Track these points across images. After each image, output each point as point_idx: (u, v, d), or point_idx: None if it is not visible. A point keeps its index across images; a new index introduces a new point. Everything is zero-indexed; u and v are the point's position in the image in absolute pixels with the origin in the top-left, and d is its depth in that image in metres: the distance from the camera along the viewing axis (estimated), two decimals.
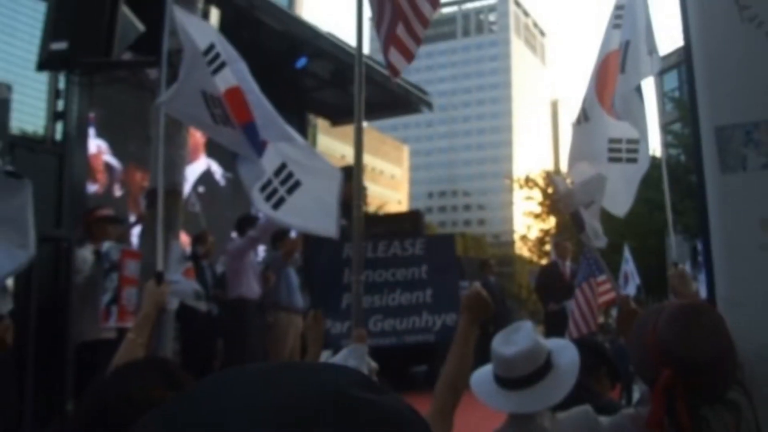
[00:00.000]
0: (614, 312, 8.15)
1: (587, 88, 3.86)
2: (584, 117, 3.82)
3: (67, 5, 3.76)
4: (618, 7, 3.86)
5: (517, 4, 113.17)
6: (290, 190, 3.25)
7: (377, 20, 3.17)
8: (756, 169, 1.84)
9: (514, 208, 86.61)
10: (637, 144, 3.71)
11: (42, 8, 4.27)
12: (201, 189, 9.19)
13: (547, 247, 42.06)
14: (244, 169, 3.35)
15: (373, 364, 2.32)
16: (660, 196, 4.01)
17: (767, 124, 1.84)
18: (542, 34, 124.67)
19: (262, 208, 3.32)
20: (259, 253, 8.20)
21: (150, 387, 1.24)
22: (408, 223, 9.95)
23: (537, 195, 46.40)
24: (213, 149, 9.06)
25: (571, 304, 5.81)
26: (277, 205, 3.24)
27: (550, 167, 66.99)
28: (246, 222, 6.87)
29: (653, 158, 4.53)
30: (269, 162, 3.28)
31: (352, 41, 7.26)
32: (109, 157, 7.90)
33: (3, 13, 6.68)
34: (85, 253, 5.59)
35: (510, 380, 1.94)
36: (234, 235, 7.28)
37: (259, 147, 3.27)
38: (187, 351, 6.09)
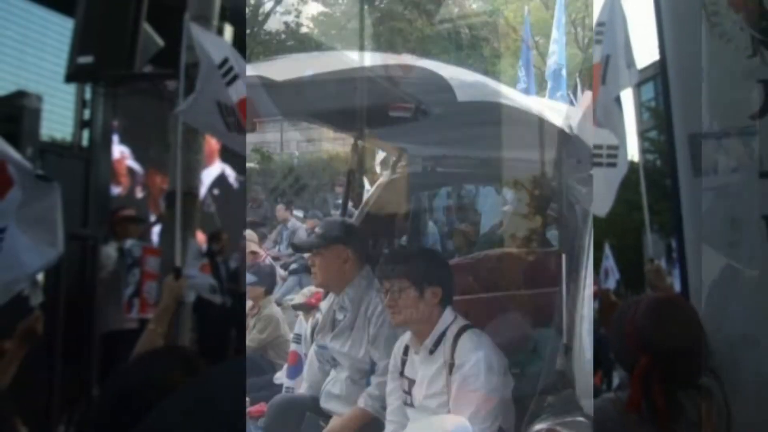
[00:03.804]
0: (596, 304, 8.13)
1: None
2: None
3: (93, 22, 3.76)
4: (599, 24, 3.87)
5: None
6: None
7: None
8: (726, 173, 1.84)
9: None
10: (616, 150, 3.70)
11: (70, 25, 4.26)
12: (216, 191, 9.17)
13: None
14: None
15: None
16: (638, 197, 4.01)
17: (736, 131, 1.84)
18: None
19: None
20: None
21: (169, 373, 1.24)
22: None
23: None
24: (227, 154, 9.05)
25: None
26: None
27: None
28: None
29: (631, 163, 4.52)
30: None
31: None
32: (131, 162, 7.89)
33: (34, 30, 6.67)
34: (110, 250, 5.58)
35: None
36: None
37: None
38: (203, 340, 6.08)
